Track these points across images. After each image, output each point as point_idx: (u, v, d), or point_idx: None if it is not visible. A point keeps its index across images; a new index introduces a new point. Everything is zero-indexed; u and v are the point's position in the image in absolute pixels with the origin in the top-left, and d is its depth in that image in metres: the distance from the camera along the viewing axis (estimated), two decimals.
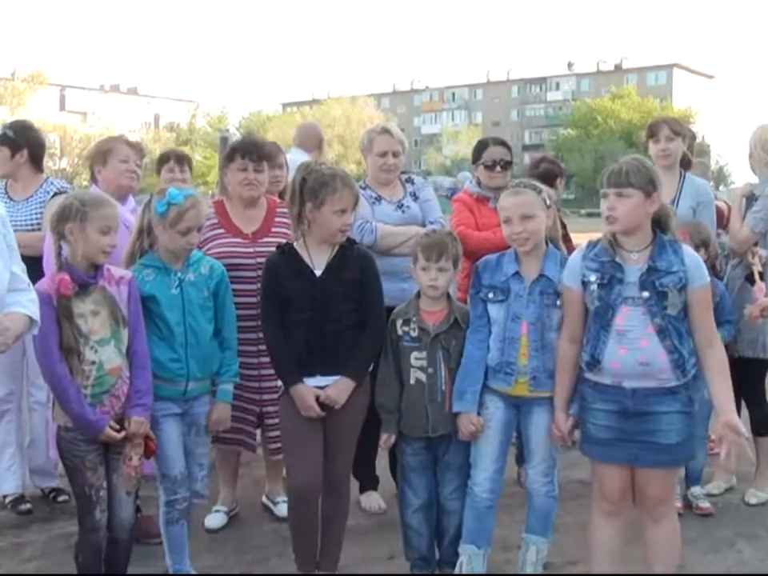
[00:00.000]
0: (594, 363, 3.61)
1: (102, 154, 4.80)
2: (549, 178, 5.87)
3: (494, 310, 3.99)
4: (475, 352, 4.00)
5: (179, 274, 3.98)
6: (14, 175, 5.26)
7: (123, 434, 3.70)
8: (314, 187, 3.95)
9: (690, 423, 3.60)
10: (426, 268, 4.06)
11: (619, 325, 3.56)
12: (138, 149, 4.89)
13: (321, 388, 3.98)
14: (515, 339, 3.92)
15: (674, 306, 3.52)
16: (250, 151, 4.71)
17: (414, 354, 4.07)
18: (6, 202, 5.11)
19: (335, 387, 3.97)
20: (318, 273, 3.99)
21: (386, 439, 4.13)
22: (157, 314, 3.92)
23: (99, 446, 3.72)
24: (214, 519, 4.93)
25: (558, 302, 3.89)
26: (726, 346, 5.25)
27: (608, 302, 3.59)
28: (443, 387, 4.04)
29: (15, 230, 4.93)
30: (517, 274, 3.97)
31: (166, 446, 3.97)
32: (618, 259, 3.59)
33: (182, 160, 5.88)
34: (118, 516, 3.80)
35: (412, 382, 4.07)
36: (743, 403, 5.30)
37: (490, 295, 3.99)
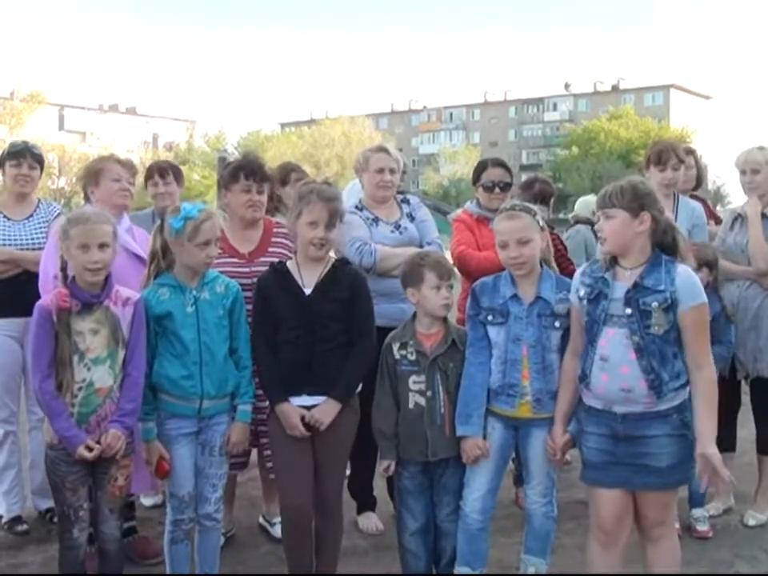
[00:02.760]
0: (583, 377, 3.64)
1: (93, 175, 4.77)
2: (544, 198, 5.94)
3: (494, 333, 3.99)
4: (478, 375, 3.99)
5: (194, 293, 3.98)
6: (28, 194, 5.26)
7: (95, 454, 3.67)
8: (296, 200, 4.06)
9: (683, 446, 3.55)
10: (438, 287, 4.03)
11: (603, 347, 3.57)
12: (129, 166, 4.85)
13: (308, 408, 3.97)
14: (517, 361, 3.92)
15: (660, 326, 3.49)
16: (253, 172, 4.69)
17: (413, 377, 4.05)
18: (3, 221, 5.12)
19: (321, 409, 3.97)
20: (307, 291, 4.00)
21: (386, 467, 4.09)
22: (172, 331, 3.92)
23: (82, 466, 3.73)
24: None
25: (557, 324, 3.91)
26: (733, 366, 5.28)
27: (594, 318, 3.62)
28: (442, 411, 4.02)
29: (20, 249, 5.02)
30: (515, 296, 3.97)
31: (176, 466, 3.96)
32: (607, 275, 3.62)
33: (165, 172, 5.74)
34: (102, 531, 3.84)
35: (411, 406, 4.05)
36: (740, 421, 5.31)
37: (490, 318, 3.99)
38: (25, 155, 5.19)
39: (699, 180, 6.19)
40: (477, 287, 4.11)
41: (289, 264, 4.11)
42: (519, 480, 5.09)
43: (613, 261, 3.66)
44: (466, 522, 4.02)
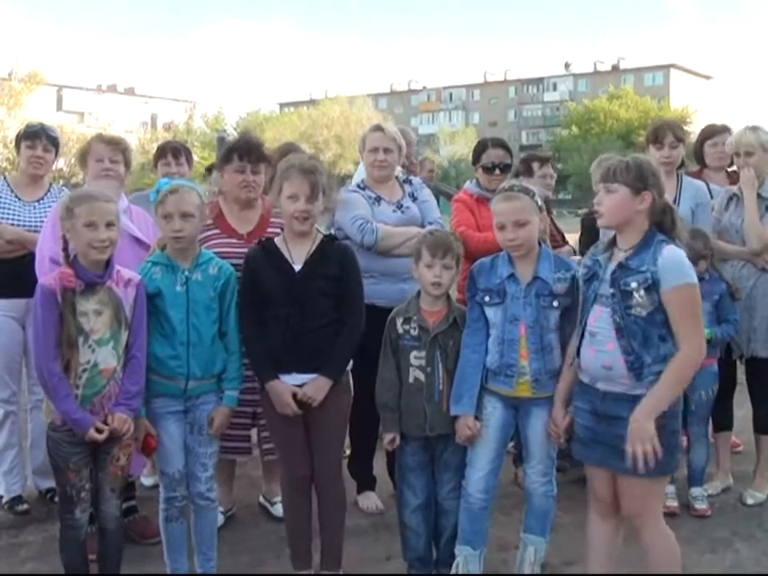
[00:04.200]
0: (578, 354, 3.66)
1: (82, 157, 4.82)
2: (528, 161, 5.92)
3: (492, 313, 3.99)
4: (472, 355, 4.00)
5: (186, 273, 3.98)
6: (42, 176, 5.25)
7: (105, 435, 3.69)
8: (277, 176, 4.07)
9: (660, 435, 3.38)
10: (430, 265, 4.05)
11: (591, 325, 3.57)
12: (113, 144, 4.81)
13: (299, 386, 3.98)
14: (514, 341, 3.93)
15: (643, 308, 3.44)
16: (247, 152, 4.67)
17: (414, 353, 4.07)
18: (14, 202, 5.13)
19: (313, 385, 3.98)
20: (297, 267, 4.00)
21: (391, 440, 4.10)
22: (161, 310, 3.93)
23: (85, 447, 3.74)
24: None
25: (555, 303, 3.91)
26: (729, 346, 5.30)
27: (586, 297, 3.64)
28: (440, 387, 4.05)
29: (28, 230, 5.01)
30: (512, 276, 3.97)
31: (164, 444, 3.98)
32: (601, 257, 3.62)
33: (178, 152, 5.76)
34: (103, 510, 3.86)
35: (411, 380, 4.07)
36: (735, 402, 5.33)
37: (486, 298, 3.99)
38: (40, 137, 5.18)
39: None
40: (474, 268, 4.11)
41: (276, 240, 4.11)
42: (519, 459, 5.12)
43: (612, 242, 3.65)
44: (469, 502, 4.03)
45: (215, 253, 4.43)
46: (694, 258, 4.74)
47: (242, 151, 4.66)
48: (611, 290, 3.51)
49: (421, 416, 4.05)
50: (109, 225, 3.71)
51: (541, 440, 4.00)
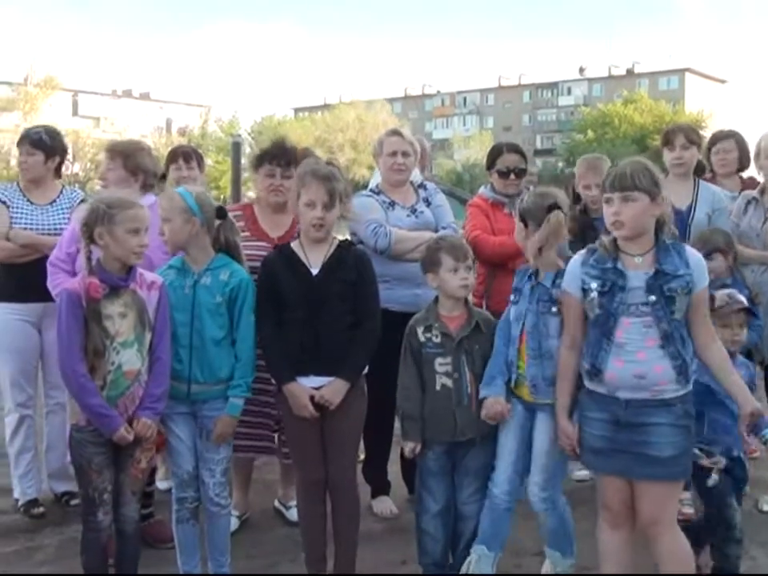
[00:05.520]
0: (596, 372, 3.56)
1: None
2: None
3: (512, 311, 4.06)
4: (502, 346, 4.05)
5: (195, 277, 4.00)
6: (39, 180, 5.24)
7: (131, 438, 3.74)
8: (295, 181, 4.09)
9: (685, 437, 3.49)
10: (455, 269, 4.04)
11: (618, 337, 3.50)
12: (106, 149, 4.88)
13: (316, 389, 3.99)
14: (515, 339, 3.96)
15: (680, 311, 3.47)
16: (277, 156, 4.70)
17: (438, 360, 4.05)
18: (26, 205, 5.15)
19: (330, 388, 3.98)
20: (314, 272, 4.01)
21: (413, 448, 4.07)
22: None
23: (107, 448, 3.76)
24: None
25: (554, 309, 3.89)
26: (749, 351, 5.26)
27: (609, 311, 3.51)
28: (469, 391, 4.04)
29: (40, 234, 5.04)
30: (529, 276, 4.00)
31: (173, 445, 4.02)
32: (619, 266, 3.53)
33: (189, 157, 5.77)
34: (122, 513, 3.88)
35: (437, 388, 4.05)
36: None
37: (512, 297, 4.06)
38: (23, 142, 5.24)
39: (743, 162, 6.13)
40: (522, 268, 4.14)
41: (293, 245, 4.12)
42: None
43: (615, 248, 3.57)
44: (494, 502, 4.04)
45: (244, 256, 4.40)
46: (710, 251, 4.74)
47: (272, 155, 4.71)
48: (652, 298, 3.45)
49: (450, 422, 4.03)
50: (146, 231, 3.78)
51: (539, 449, 3.98)
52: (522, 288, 4.01)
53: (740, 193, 5.71)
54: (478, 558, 4.04)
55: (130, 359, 3.74)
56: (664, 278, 3.46)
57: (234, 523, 4.94)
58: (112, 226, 3.70)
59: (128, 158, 4.75)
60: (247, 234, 4.65)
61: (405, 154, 5.18)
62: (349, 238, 4.72)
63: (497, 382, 3.98)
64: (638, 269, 3.51)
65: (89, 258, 3.74)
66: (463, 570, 4.06)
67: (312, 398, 3.97)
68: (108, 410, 3.69)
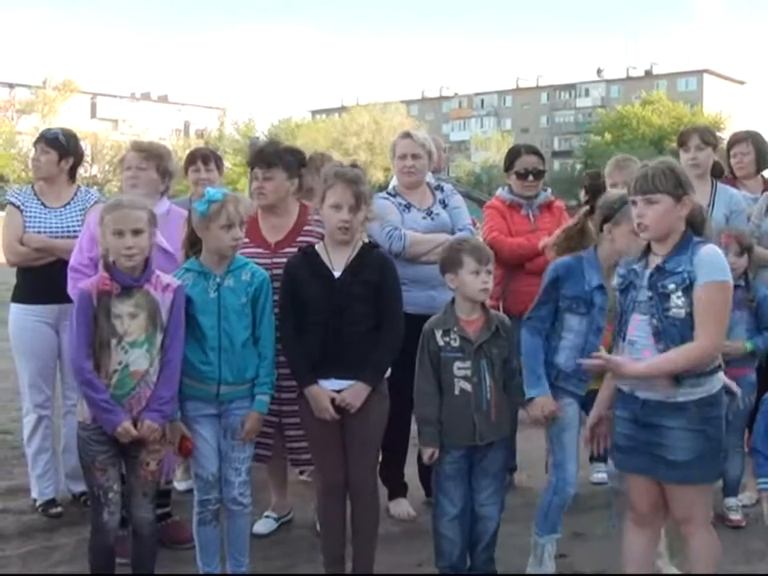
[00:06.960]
0: None
1: (119, 165, 4.90)
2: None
3: (576, 321, 4.07)
4: (540, 349, 4.12)
5: (218, 279, 3.99)
6: (52, 180, 5.24)
7: (129, 439, 3.73)
8: (321, 183, 4.06)
9: (702, 441, 3.44)
10: (477, 272, 4.02)
11: (630, 334, 3.54)
12: (139, 150, 4.81)
13: (337, 392, 3.98)
14: (595, 349, 3.85)
15: (680, 309, 3.39)
16: (255, 159, 4.69)
17: (457, 363, 4.04)
18: (40, 208, 5.17)
19: (351, 391, 3.97)
20: (336, 274, 4.00)
21: (431, 454, 4.06)
22: (192, 316, 3.95)
23: (112, 447, 3.78)
24: (263, 525, 4.93)
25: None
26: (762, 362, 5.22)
27: (623, 308, 3.58)
28: (488, 397, 4.03)
29: (53, 237, 5.05)
30: (601, 286, 4.00)
31: (198, 446, 4.00)
32: (637, 266, 3.56)
33: (208, 159, 5.76)
34: (136, 515, 3.90)
35: (456, 392, 4.03)
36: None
37: (574, 306, 4.06)
38: (39, 140, 5.28)
39: (761, 163, 6.07)
40: (562, 270, 4.13)
41: (317, 247, 4.11)
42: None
43: (647, 249, 3.59)
44: (568, 493, 4.15)
45: None
46: (743, 249, 4.75)
47: (251, 159, 4.73)
48: (649, 294, 3.46)
49: (469, 426, 4.01)
50: (136, 232, 3.74)
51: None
52: (591, 298, 4.04)
53: (762, 194, 5.66)
54: (554, 542, 4.21)
55: (137, 359, 3.76)
56: (661, 275, 3.45)
57: (271, 525, 4.96)
58: (104, 227, 3.77)
59: (161, 161, 4.76)
60: (246, 240, 4.61)
61: (415, 157, 5.16)
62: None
63: (543, 381, 4.04)
64: (650, 268, 3.53)
65: (104, 257, 3.79)
66: (546, 558, 4.19)
67: (333, 400, 3.97)
68: (112, 405, 3.71)
